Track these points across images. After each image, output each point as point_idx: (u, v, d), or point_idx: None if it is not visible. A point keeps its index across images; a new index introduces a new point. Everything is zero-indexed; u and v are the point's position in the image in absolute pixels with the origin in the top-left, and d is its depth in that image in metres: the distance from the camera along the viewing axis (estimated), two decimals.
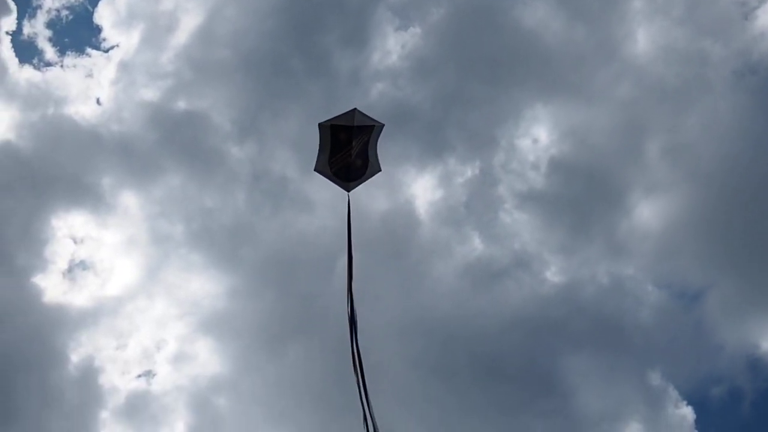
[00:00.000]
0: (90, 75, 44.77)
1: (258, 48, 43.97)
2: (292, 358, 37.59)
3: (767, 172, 40.48)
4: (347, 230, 17.74)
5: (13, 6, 43.53)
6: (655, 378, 39.80)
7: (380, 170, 18.11)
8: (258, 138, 42.18)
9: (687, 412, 39.50)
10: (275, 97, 43.02)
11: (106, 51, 45.22)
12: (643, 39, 43.30)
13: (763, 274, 40.12)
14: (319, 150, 17.76)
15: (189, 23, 44.09)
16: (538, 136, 43.44)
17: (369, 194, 40.24)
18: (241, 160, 41.75)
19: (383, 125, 17.83)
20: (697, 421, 39.50)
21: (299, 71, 43.66)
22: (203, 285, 40.68)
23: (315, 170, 17.97)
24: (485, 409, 37.67)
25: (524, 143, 43.17)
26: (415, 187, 42.43)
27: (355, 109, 17.58)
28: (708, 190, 41.32)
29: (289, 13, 44.73)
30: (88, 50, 45.68)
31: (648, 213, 41.77)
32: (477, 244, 41.45)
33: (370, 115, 17.70)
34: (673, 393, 39.64)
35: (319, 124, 17.62)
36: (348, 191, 18.02)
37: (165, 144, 42.24)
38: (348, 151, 17.72)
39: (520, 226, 41.89)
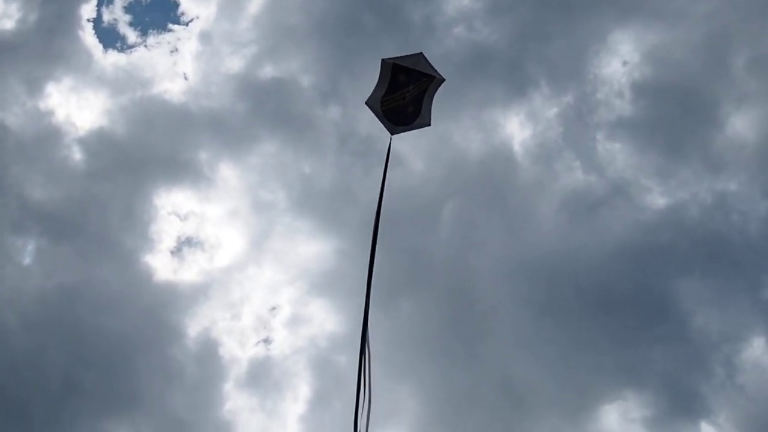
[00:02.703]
0: (175, 50, 45.13)
1: (329, 8, 44.04)
2: (407, 311, 37.91)
3: None
4: (383, 173, 17.77)
5: None
6: None
7: (429, 124, 18.10)
8: (340, 100, 42.35)
9: None
10: (352, 57, 43.15)
11: (187, 24, 45.59)
12: None
13: None
14: (376, 85, 17.83)
15: None
16: (619, 61, 43.12)
17: (465, 139, 40.46)
18: (327, 123, 41.98)
19: (444, 80, 17.77)
20: None
21: (372, 27, 43.65)
22: (310, 249, 41.17)
23: (366, 103, 18.02)
24: (600, 341, 37.80)
25: (606, 71, 42.75)
26: (504, 127, 42.37)
27: (421, 53, 17.60)
28: None
29: None
30: (170, 26, 46.15)
31: (741, 124, 41.14)
32: (572, 178, 41.31)
33: (434, 65, 17.71)
34: None
35: (382, 60, 17.64)
36: (392, 134, 18.01)
37: (255, 113, 42.57)
38: (403, 93, 17.76)
39: (614, 154, 41.68)
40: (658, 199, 40.67)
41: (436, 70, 17.68)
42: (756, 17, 41.54)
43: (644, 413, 36.41)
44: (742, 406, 36.35)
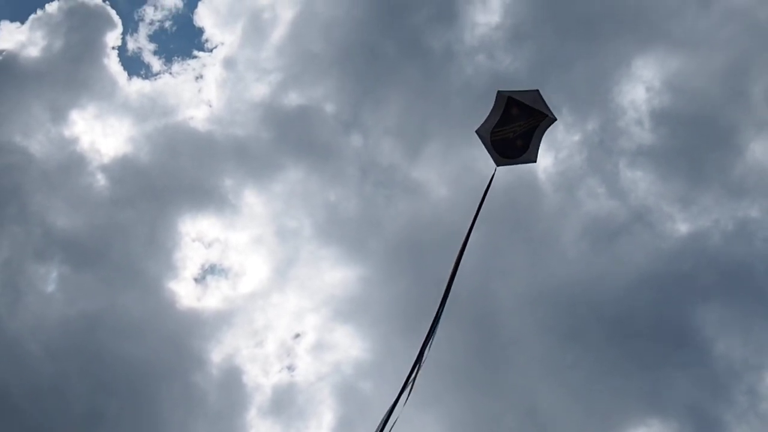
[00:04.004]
0: (200, 76, 45.50)
1: (350, 37, 44.21)
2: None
3: None
4: (480, 201, 17.49)
5: (117, 19, 44.05)
6: None
7: (535, 161, 18.02)
8: (362, 128, 42.54)
9: None
10: (373, 85, 43.41)
11: (211, 51, 45.93)
12: None
13: None
14: (489, 115, 17.68)
15: (282, 19, 44.56)
16: (642, 88, 43.04)
17: (488, 166, 40.48)
18: (350, 152, 42.21)
19: (555, 119, 17.76)
20: None
21: (393, 55, 43.89)
22: (335, 276, 41.26)
23: (476, 132, 17.80)
24: (623, 368, 37.71)
25: (628, 98, 42.78)
26: None
27: (538, 90, 17.59)
28: None
29: None
30: (194, 52, 46.62)
31: (762, 151, 41.07)
32: (595, 206, 41.35)
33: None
34: None
35: (499, 92, 17.58)
36: (497, 165, 17.76)
37: (280, 140, 42.73)
38: (514, 127, 17.67)
39: (636, 181, 41.72)
40: (680, 226, 40.73)
41: (549, 109, 17.68)
42: None
43: None
44: None
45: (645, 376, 37.45)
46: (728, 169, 41.24)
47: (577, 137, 42.24)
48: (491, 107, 17.65)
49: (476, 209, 17.47)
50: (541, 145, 40.28)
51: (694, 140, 42.05)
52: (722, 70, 41.91)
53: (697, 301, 39.31)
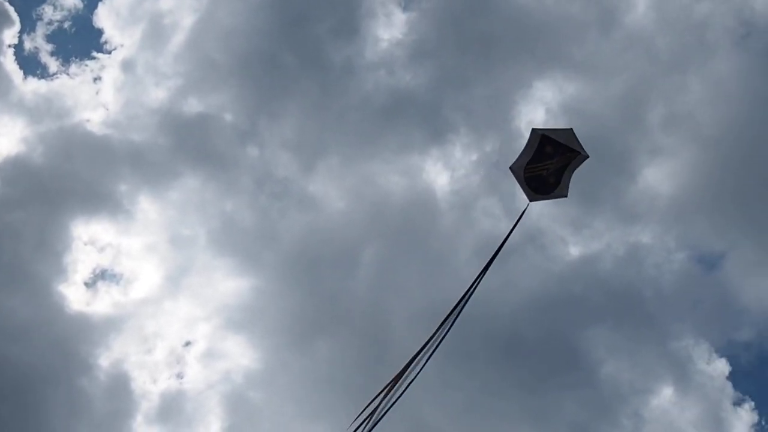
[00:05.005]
0: (98, 78, 44.78)
1: (250, 46, 44.20)
2: (324, 352, 37.98)
3: None
4: (508, 233, 18.54)
5: (15, 17, 43.47)
6: (681, 344, 40.69)
7: (566, 196, 18.65)
8: (258, 140, 42.41)
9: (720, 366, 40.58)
10: (271, 97, 43.27)
11: (110, 53, 45.22)
12: (642, 6, 43.81)
13: None
14: (522, 152, 18.28)
15: (183, 25, 44.29)
16: (540, 111, 43.67)
17: (388, 181, 40.66)
18: (247, 163, 42.13)
19: (588, 157, 18.30)
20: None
21: (292, 67, 43.91)
22: (228, 286, 41.15)
23: (510, 168, 18.47)
24: (508, 388, 38.18)
25: (525, 120, 43.11)
26: (424, 172, 42.74)
27: (572, 129, 18.19)
28: (715, 152, 41.99)
29: (277, 8, 45.01)
30: (93, 53, 45.72)
31: (654, 177, 42.36)
32: (488, 225, 41.64)
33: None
34: (702, 354, 40.67)
35: (533, 129, 18.25)
36: (530, 201, 18.53)
37: (177, 147, 42.44)
38: (547, 164, 18.23)
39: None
40: (571, 249, 41.37)
41: (582, 147, 18.19)
42: (672, 74, 42.65)
43: None
44: None
45: (531, 397, 37.96)
46: (621, 194, 42.05)
47: (474, 157, 42.59)
48: (525, 144, 18.31)
49: (501, 242, 17.81)
50: (439, 163, 40.50)
51: (588, 164, 42.43)
52: (620, 95, 42.73)
53: (585, 323, 40.03)
